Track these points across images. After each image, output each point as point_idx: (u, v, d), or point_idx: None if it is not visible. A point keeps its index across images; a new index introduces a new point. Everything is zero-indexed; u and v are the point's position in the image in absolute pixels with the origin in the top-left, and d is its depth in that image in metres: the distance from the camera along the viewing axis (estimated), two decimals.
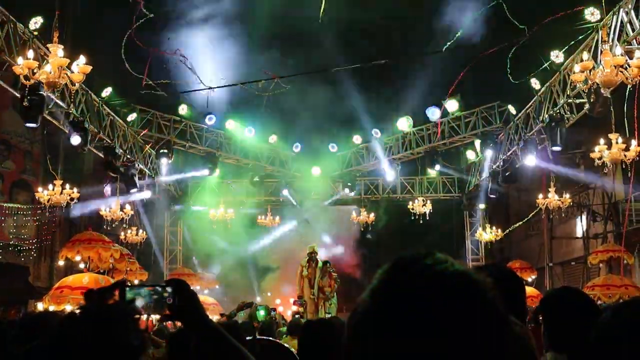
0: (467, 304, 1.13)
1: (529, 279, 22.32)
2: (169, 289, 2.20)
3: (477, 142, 21.99)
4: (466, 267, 1.21)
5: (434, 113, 21.94)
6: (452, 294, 1.13)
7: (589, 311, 3.53)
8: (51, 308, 14.13)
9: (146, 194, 21.87)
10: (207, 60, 18.75)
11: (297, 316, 13.88)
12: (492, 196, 22.22)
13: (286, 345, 6.21)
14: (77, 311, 2.37)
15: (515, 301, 2.98)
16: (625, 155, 13.05)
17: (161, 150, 21.04)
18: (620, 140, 13.30)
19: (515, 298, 2.97)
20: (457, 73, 20.36)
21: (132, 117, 20.22)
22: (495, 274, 3.14)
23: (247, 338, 5.41)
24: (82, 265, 16.05)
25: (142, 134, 20.55)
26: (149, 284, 2.35)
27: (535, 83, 17.30)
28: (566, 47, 14.51)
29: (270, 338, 6.43)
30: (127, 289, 2.25)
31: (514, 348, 1.20)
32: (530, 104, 18.16)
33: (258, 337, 6.45)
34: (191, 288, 2.28)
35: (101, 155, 17.97)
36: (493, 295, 1.17)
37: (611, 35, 10.63)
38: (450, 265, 1.18)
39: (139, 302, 2.21)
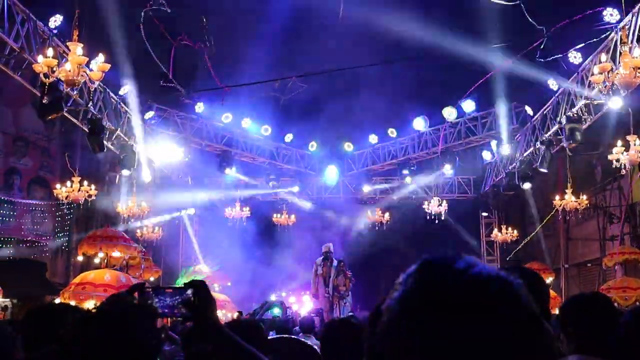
0: (505, 308, 1.08)
1: (548, 281, 22.20)
2: (189, 292, 2.23)
3: (494, 143, 21.90)
4: (496, 269, 1.17)
5: (450, 113, 21.87)
6: (488, 298, 1.08)
7: (612, 314, 3.56)
8: (72, 304, 14.22)
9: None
10: (224, 57, 18.78)
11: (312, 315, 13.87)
12: (507, 196, 22.16)
13: (306, 341, 6.24)
14: (93, 311, 2.40)
15: (541, 303, 2.99)
16: None
17: (179, 148, 21.11)
18: (638, 142, 13.23)
19: (540, 300, 2.98)
20: (472, 73, 20.36)
21: (149, 114, 20.31)
22: (520, 276, 3.16)
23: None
24: (97, 261, 16.13)
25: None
26: (169, 286, 2.37)
27: (552, 84, 17.24)
28: (583, 47, 14.45)
29: (293, 336, 6.44)
30: (148, 290, 2.28)
31: (548, 350, 1.15)
32: (547, 104, 18.08)
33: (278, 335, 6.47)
34: (209, 291, 2.31)
35: (118, 152, 18.08)
36: (528, 298, 1.12)
37: (630, 37, 10.57)
38: (483, 269, 1.12)
39: (159, 304, 2.25)
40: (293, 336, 6.60)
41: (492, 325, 1.06)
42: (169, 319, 9.86)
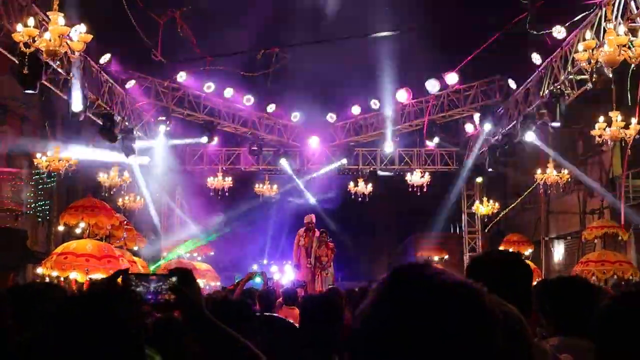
0: (469, 312, 1.17)
1: (526, 253, 22.40)
2: (173, 279, 2.22)
3: (476, 116, 21.94)
4: (462, 277, 1.24)
5: (433, 85, 21.84)
6: (455, 304, 1.17)
7: (590, 294, 3.60)
8: (54, 274, 14.19)
9: (144, 160, 21.86)
10: (206, 27, 18.58)
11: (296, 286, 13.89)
12: (490, 170, 22.28)
13: (286, 318, 6.27)
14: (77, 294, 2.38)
15: (521, 286, 3.02)
16: (625, 134, 13.07)
17: (159, 118, 20.96)
18: (620, 118, 13.30)
19: (520, 283, 3.01)
20: (456, 46, 20.33)
21: (130, 84, 20.10)
22: (502, 259, 3.18)
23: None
24: (78, 231, 16.04)
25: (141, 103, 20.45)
26: (153, 273, 2.36)
27: (536, 58, 17.24)
28: (568, 23, 14.43)
29: (273, 315, 6.46)
30: (132, 276, 2.26)
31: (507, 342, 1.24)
32: (530, 79, 18.11)
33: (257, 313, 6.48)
34: (195, 279, 2.29)
35: (99, 122, 17.93)
36: (489, 301, 1.22)
37: (615, 13, 10.57)
38: (450, 276, 1.22)
39: (143, 290, 2.23)
40: (275, 314, 6.62)
41: (454, 330, 1.14)
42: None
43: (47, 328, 2.16)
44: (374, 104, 23.73)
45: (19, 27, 9.47)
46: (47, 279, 14.40)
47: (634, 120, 13.10)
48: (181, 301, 2.21)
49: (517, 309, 3.02)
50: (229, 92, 22.49)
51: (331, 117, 24.47)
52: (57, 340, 2.08)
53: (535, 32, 14.98)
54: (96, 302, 2.16)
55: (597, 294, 3.79)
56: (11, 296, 3.62)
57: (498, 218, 25.24)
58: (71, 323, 2.10)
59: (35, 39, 9.21)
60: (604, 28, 10.54)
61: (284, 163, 24.98)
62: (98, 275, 14.01)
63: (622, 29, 9.25)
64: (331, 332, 4.22)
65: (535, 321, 3.63)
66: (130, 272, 2.28)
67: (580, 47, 9.92)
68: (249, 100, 22.99)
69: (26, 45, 9.22)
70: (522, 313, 3.08)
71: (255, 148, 23.94)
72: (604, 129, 13.33)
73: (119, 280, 2.27)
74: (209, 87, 22.01)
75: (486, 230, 26.38)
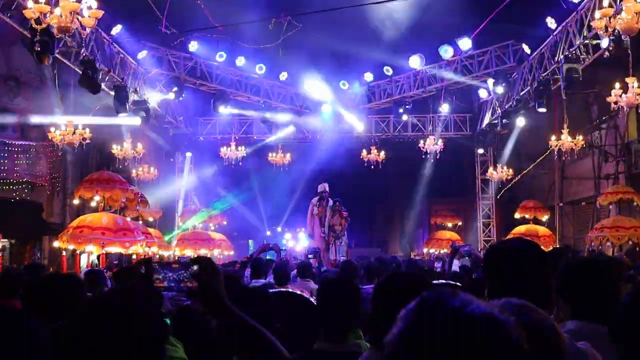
0: (497, 349, 1.18)
1: (543, 219, 22.41)
2: (195, 267, 2.26)
3: (490, 81, 21.75)
4: (490, 307, 1.23)
5: (446, 51, 21.65)
6: (483, 340, 1.17)
7: (612, 281, 3.56)
8: (70, 247, 14.32)
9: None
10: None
11: (310, 256, 13.96)
12: (503, 134, 22.17)
13: (304, 295, 6.30)
14: (101, 300, 2.41)
15: (539, 276, 3.01)
16: None
17: (172, 88, 20.90)
18: (637, 84, 13.14)
19: (538, 273, 3.00)
20: (469, 10, 20.08)
21: (142, 54, 20.04)
22: (519, 248, 3.17)
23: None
24: (93, 204, 16.15)
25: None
26: (175, 262, 2.41)
27: (551, 22, 17.02)
28: None
29: (289, 290, 6.49)
30: (155, 265, 2.31)
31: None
32: (545, 43, 17.90)
33: (273, 289, 6.52)
34: (217, 267, 2.33)
35: (111, 93, 17.91)
36: (519, 337, 1.22)
37: None
38: (477, 308, 1.21)
39: (165, 279, 2.28)
40: (290, 289, 6.64)
41: None
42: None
43: (75, 326, 2.22)
44: (387, 70, 23.59)
45: (30, 3, 9.43)
46: (64, 253, 14.56)
47: None
48: (202, 289, 2.25)
49: (537, 300, 3.01)
50: (240, 60, 22.39)
51: (344, 84, 24.35)
52: (83, 339, 2.13)
53: None
54: (119, 313, 2.20)
55: (617, 277, 3.76)
56: (27, 272, 3.67)
57: (511, 184, 25.15)
58: (97, 325, 2.15)
59: (47, 14, 9.17)
60: None
61: (296, 131, 24.93)
62: (114, 249, 14.15)
63: None
64: (350, 311, 4.24)
65: (553, 304, 3.62)
66: (153, 261, 2.34)
67: (597, 14, 9.77)
68: (261, 69, 22.89)
69: (37, 21, 9.20)
70: (541, 303, 3.08)
71: (268, 116, 23.89)
72: (620, 96, 13.18)
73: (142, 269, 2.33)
74: (221, 56, 21.91)
75: (498, 197, 26.33)
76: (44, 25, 9.26)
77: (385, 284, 3.07)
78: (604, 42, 12.23)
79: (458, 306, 1.20)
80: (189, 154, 24.90)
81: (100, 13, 9.69)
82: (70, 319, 2.64)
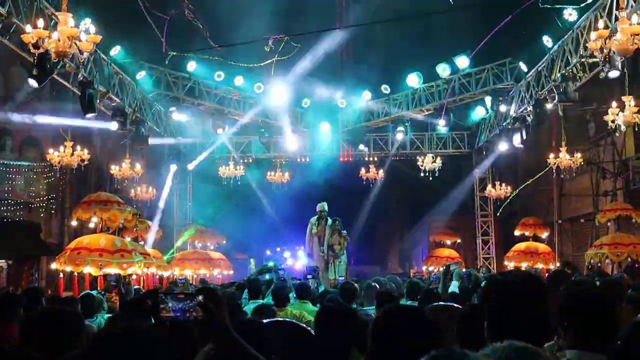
0: None
1: (542, 236, 22.42)
2: (200, 297, 2.33)
3: (488, 99, 21.82)
4: None
5: (444, 70, 21.76)
6: None
7: (611, 310, 3.54)
8: (68, 269, 14.30)
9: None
10: (216, 17, 18.53)
11: (309, 276, 13.94)
12: (501, 152, 22.19)
13: (300, 324, 6.26)
14: (111, 336, 2.43)
15: (538, 307, 3.02)
16: (638, 118, 12.97)
17: (170, 108, 20.97)
18: (633, 102, 13.20)
19: (538, 304, 3.02)
20: (467, 29, 20.22)
21: (140, 75, 20.10)
22: (517, 281, 3.18)
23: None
24: (91, 225, 16.12)
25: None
26: (181, 292, 2.47)
27: (547, 41, 17.12)
28: (582, 5, 14.29)
29: (286, 320, 6.46)
30: (161, 295, 2.36)
31: None
32: (542, 61, 17.98)
33: (269, 314, 6.49)
34: (221, 298, 2.36)
35: (109, 113, 17.92)
36: None
37: (627, 1, 10.43)
38: None
39: (172, 310, 2.35)
40: (287, 319, 6.62)
41: None
42: None
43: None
44: (385, 89, 23.67)
45: (29, 27, 9.46)
46: (62, 275, 14.54)
47: None
48: (208, 319, 2.31)
49: (537, 333, 3.01)
50: (239, 80, 22.47)
51: (342, 102, 24.41)
52: None
53: (548, 6, 14.82)
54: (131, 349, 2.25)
55: (614, 301, 3.76)
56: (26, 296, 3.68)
57: (508, 200, 25.15)
58: None
59: (45, 39, 9.20)
60: (615, 16, 10.42)
61: (293, 149, 24.95)
62: (111, 270, 14.12)
63: (635, 18, 9.14)
64: (349, 338, 4.26)
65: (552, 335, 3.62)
66: (159, 292, 2.40)
67: (593, 35, 9.83)
68: (259, 88, 22.96)
69: (36, 45, 9.23)
70: (541, 336, 3.07)
71: (267, 135, 23.92)
72: (617, 114, 13.23)
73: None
74: (219, 75, 21.99)
75: (498, 214, 26.33)
76: (42, 50, 9.31)
77: (383, 319, 3.08)
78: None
79: None
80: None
81: (99, 38, 9.73)
82: (71, 355, 2.66)
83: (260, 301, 8.72)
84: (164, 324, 2.39)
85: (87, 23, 10.85)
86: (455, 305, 6.91)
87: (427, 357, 1.27)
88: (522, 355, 1.97)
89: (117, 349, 2.22)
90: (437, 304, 7.20)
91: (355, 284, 9.64)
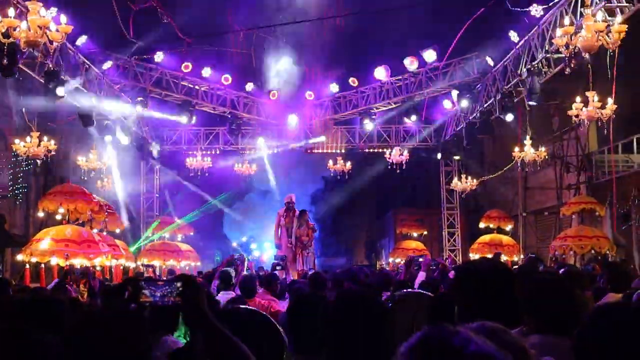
0: None
1: (507, 228, 22.74)
2: (178, 284, 2.40)
3: (454, 93, 22.03)
4: (490, 345, 1.28)
5: (411, 63, 21.92)
6: None
7: (571, 296, 3.70)
8: (34, 260, 14.18)
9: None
10: (184, 10, 18.46)
11: (277, 267, 13.99)
12: (467, 146, 22.42)
13: (265, 314, 6.28)
14: (91, 317, 2.54)
15: (505, 294, 3.15)
16: (602, 114, 13.23)
17: (137, 98, 20.78)
18: (597, 98, 13.45)
19: (505, 291, 3.14)
20: (434, 22, 20.40)
21: (107, 65, 19.92)
22: (485, 269, 3.30)
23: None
24: (58, 217, 15.96)
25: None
26: (160, 279, 2.55)
27: (513, 36, 17.34)
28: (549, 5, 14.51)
29: (250, 308, 6.48)
30: (141, 283, 2.42)
31: None
32: (508, 56, 18.20)
33: (235, 305, 6.51)
34: (199, 284, 2.45)
35: (76, 104, 17.76)
36: None
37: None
38: (478, 347, 1.26)
39: (151, 295, 2.41)
40: (250, 307, 6.65)
41: None
42: None
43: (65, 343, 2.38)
44: (353, 82, 23.76)
45: None
46: (27, 266, 14.41)
47: (610, 100, 13.24)
48: (186, 304, 2.39)
49: (505, 319, 3.13)
50: (207, 71, 22.40)
51: (310, 95, 24.45)
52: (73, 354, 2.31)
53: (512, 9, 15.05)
54: (109, 324, 2.35)
55: (572, 289, 3.91)
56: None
57: (473, 193, 25.41)
58: (86, 342, 2.34)
59: (16, 28, 9.10)
60: (581, 12, 10.63)
61: (261, 143, 24.97)
62: (78, 261, 14.03)
63: (600, 15, 9.34)
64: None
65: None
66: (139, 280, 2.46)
67: (559, 32, 10.01)
68: (226, 79, 22.91)
69: (5, 34, 9.12)
70: (509, 322, 3.19)
71: (234, 127, 23.87)
72: (581, 109, 13.48)
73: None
74: (187, 67, 21.89)
75: (463, 206, 26.61)
76: (11, 40, 9.20)
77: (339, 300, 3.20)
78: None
79: (459, 345, 1.25)
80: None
81: (70, 28, 9.64)
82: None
83: (232, 292, 8.77)
84: (144, 308, 2.47)
85: (53, 12, 10.75)
86: (426, 293, 7.05)
87: (420, 333, 1.32)
88: (493, 332, 2.07)
89: (99, 330, 2.34)
90: (408, 290, 7.33)
91: (324, 274, 9.73)
